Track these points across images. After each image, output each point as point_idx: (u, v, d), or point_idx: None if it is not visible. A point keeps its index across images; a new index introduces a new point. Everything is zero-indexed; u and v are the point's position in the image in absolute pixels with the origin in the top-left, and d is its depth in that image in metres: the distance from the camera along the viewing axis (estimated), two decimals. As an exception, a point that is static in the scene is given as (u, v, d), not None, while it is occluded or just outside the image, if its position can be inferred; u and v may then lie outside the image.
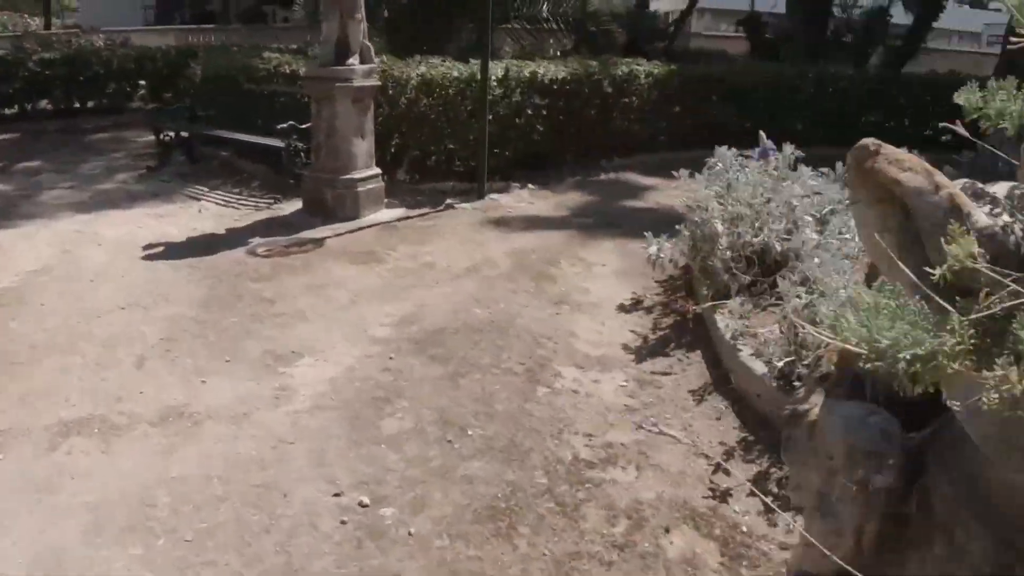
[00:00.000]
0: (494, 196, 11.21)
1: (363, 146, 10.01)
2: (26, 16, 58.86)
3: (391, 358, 6.28)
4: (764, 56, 19.37)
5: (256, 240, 9.19)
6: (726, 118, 14.16)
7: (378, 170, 10.30)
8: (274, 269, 8.25)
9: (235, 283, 7.82)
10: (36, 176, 12.86)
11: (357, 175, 9.95)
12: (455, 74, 11.08)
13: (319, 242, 9.17)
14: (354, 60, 9.79)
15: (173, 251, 8.81)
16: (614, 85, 12.73)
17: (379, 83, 10.18)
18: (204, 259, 8.50)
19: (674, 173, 7.87)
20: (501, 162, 11.36)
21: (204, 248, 8.89)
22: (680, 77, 13.78)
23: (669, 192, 11.89)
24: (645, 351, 6.55)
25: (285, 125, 10.52)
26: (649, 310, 7.42)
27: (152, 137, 13.69)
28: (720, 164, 7.72)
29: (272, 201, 10.95)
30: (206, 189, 11.72)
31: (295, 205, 10.63)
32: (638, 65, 13.35)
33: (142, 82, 18.95)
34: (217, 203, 11.01)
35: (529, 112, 11.54)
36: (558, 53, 18.44)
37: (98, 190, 11.81)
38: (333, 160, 9.87)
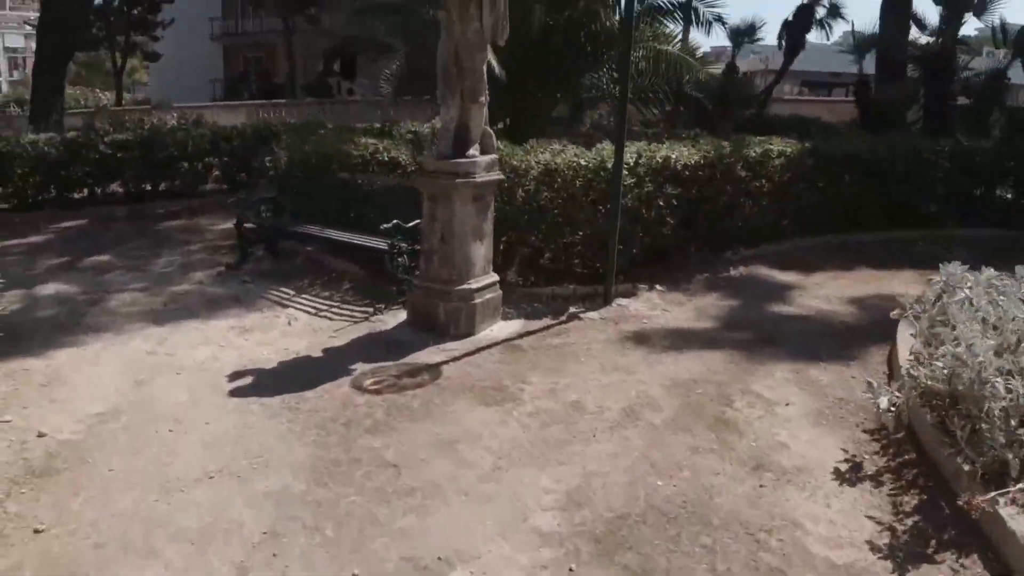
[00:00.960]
0: (622, 302, 9.55)
1: (481, 251, 8.43)
2: (98, 91, 58.99)
3: (571, 570, 4.57)
4: (876, 124, 17.64)
5: (360, 367, 7.58)
6: (861, 199, 12.50)
7: (495, 277, 8.71)
8: (389, 413, 6.59)
9: (346, 436, 6.18)
10: (105, 274, 11.46)
11: (474, 284, 8.35)
12: (582, 162, 9.49)
13: (435, 369, 7.53)
14: (475, 151, 8.25)
15: (265, 384, 7.21)
16: (748, 167, 11.08)
17: (501, 176, 8.62)
18: (304, 397, 6.88)
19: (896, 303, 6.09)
20: (624, 260, 9.70)
21: (301, 379, 7.29)
22: (813, 155, 12.09)
23: (814, 292, 10.24)
24: (902, 555, 4.75)
25: (389, 225, 8.96)
26: (877, 481, 5.64)
27: (229, 225, 12.14)
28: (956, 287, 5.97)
29: (370, 310, 9.36)
30: (292, 292, 10.19)
31: (397, 316, 9.05)
32: (771, 144, 11.67)
33: (215, 161, 17.63)
34: (307, 311, 9.46)
35: (660, 203, 9.89)
36: (647, 131, 16.93)
37: (173, 293, 10.33)
38: (448, 269, 8.29)
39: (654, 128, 16.90)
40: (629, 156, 9.60)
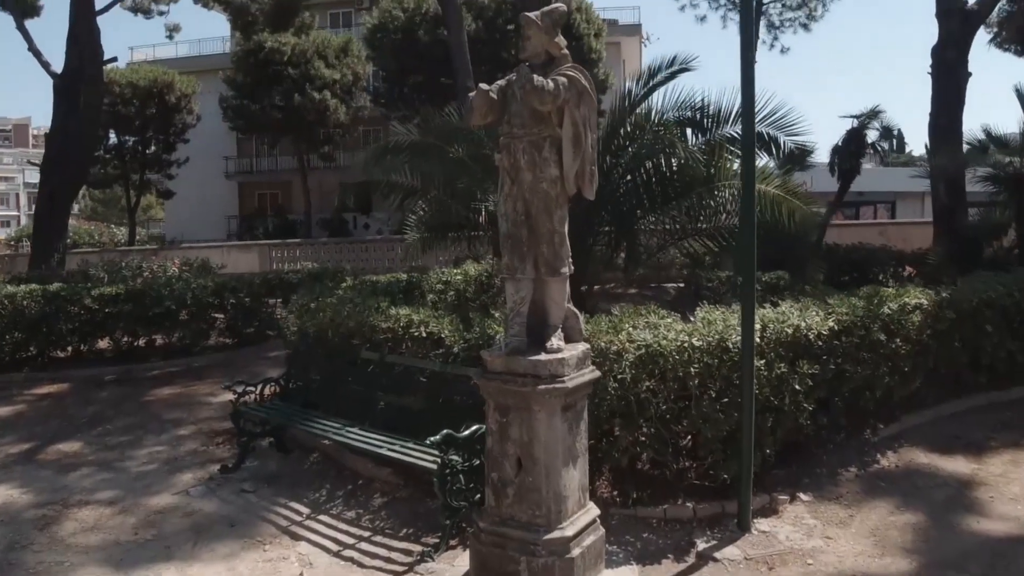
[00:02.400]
0: (763, 526, 6.63)
1: (575, 478, 5.59)
2: (113, 227, 57.23)
3: None
4: (963, 253, 15.00)
5: None
6: (1002, 349, 9.71)
7: (595, 511, 5.82)
8: None
9: None
10: (70, 472, 8.75)
11: (569, 529, 5.46)
12: (695, 342, 6.71)
13: None
14: (558, 340, 5.52)
15: None
16: (883, 328, 8.30)
17: (598, 374, 5.84)
18: None
19: None
20: (754, 463, 6.82)
21: None
22: (953, 305, 9.30)
23: (1006, 489, 7.44)
24: None
25: (438, 438, 6.16)
26: None
27: (231, 396, 9.26)
28: None
29: (415, 548, 6.47)
30: (306, 510, 7.35)
31: (455, 564, 6.17)
32: (907, 297, 8.90)
33: (220, 314, 15.01)
34: (326, 547, 6.60)
35: (796, 387, 7.09)
36: (709, 282, 14.26)
37: (149, 512, 7.51)
38: (530, 508, 5.44)
39: (710, 275, 14.17)
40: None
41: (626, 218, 10.69)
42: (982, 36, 25.50)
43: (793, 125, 10.24)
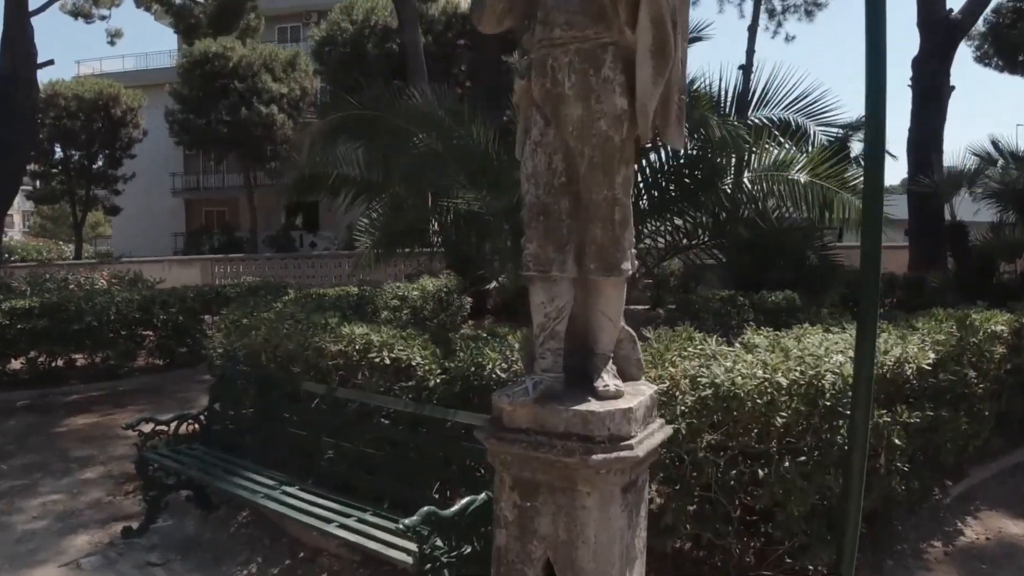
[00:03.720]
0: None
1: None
2: (60, 243, 53.81)
3: None
4: (972, 279, 13.13)
5: None
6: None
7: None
8: None
9: None
10: (-65, 535, 6.39)
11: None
12: (780, 380, 4.51)
13: None
14: (611, 376, 3.44)
15: None
16: (971, 362, 6.20)
17: (669, 431, 3.67)
18: None
19: None
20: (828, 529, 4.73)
21: None
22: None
23: None
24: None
25: (416, 518, 3.98)
26: None
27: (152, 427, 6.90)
28: None
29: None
30: (231, 597, 5.19)
31: None
32: (997, 323, 6.77)
33: (149, 332, 12.64)
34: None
35: (896, 440, 4.97)
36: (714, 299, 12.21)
37: (20, 597, 5.27)
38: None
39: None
40: (842, 355, 4.79)
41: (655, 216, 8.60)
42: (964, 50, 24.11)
43: (825, 112, 8.21)
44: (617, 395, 3.30)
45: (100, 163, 38.40)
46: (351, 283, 16.44)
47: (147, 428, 6.34)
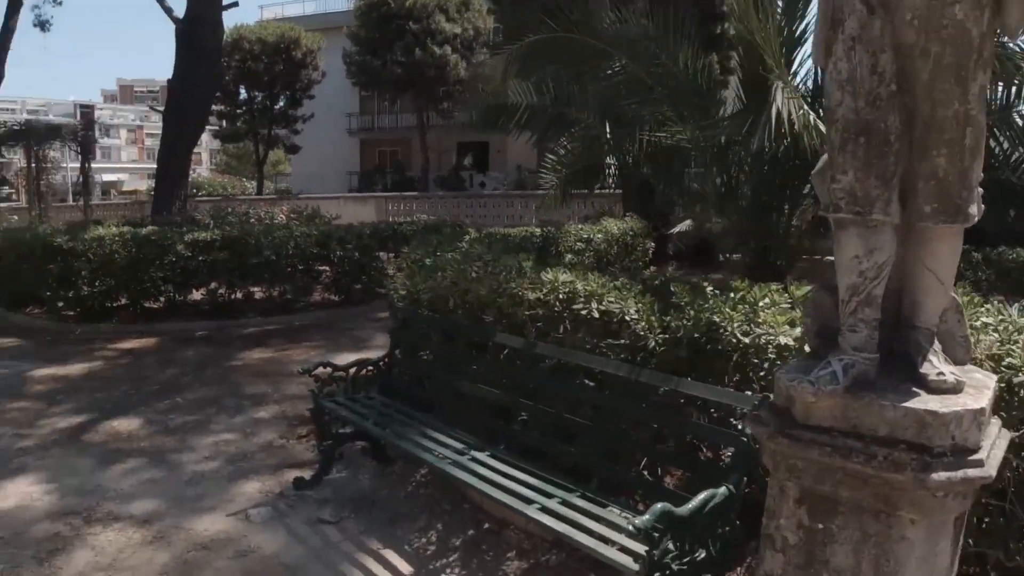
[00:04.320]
0: None
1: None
2: (244, 180, 55.85)
3: None
4: None
5: None
6: None
7: None
8: None
9: None
10: (111, 465, 6.19)
11: None
12: None
13: None
14: (940, 360, 2.49)
15: None
16: None
17: (1008, 439, 2.68)
18: None
19: None
20: None
21: None
22: None
23: None
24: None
25: (646, 519, 3.14)
26: None
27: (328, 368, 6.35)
28: None
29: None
30: (407, 569, 4.55)
31: None
32: None
33: (325, 269, 12.33)
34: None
35: None
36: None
37: (191, 545, 4.86)
38: None
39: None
40: None
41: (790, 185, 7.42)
42: None
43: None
44: (957, 388, 2.37)
45: (281, 104, 39.46)
46: (523, 223, 15.79)
47: (322, 372, 5.78)
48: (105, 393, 8.17)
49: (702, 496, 3.33)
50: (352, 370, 5.79)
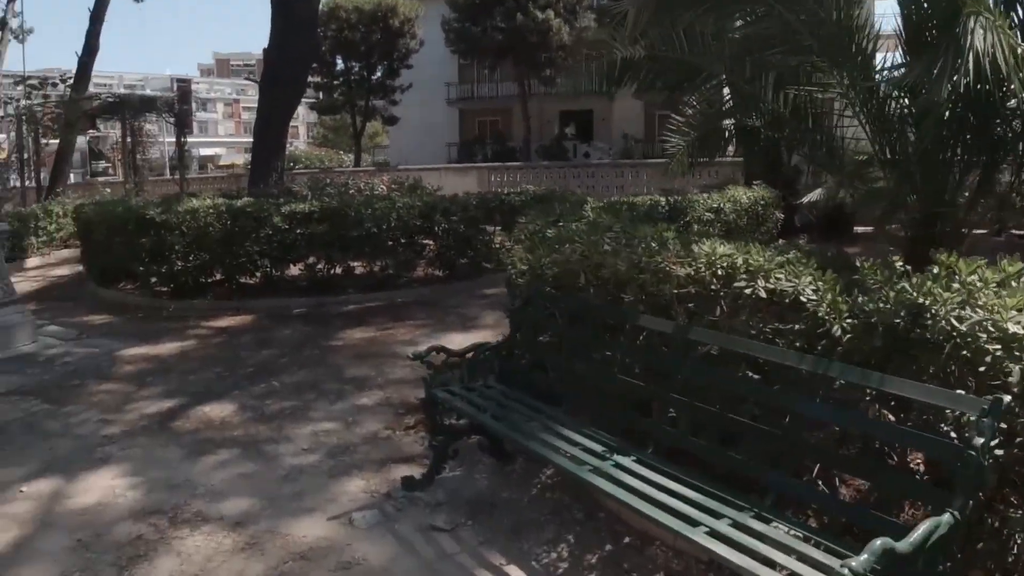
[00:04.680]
0: None
1: None
2: (341, 152, 56.13)
3: None
4: None
5: None
6: None
7: None
8: None
9: None
10: (201, 457, 5.75)
11: None
12: None
13: None
14: None
15: None
16: None
17: None
18: None
19: None
20: None
21: None
22: None
23: None
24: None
25: (866, 558, 2.45)
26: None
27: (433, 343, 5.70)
28: None
29: None
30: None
31: None
32: None
33: (429, 242, 11.80)
34: None
35: None
36: None
37: (287, 554, 4.34)
38: None
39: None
40: None
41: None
42: None
43: None
44: None
45: (378, 74, 39.24)
46: (635, 193, 14.97)
47: (434, 358, 5.17)
48: (197, 375, 7.80)
49: (924, 527, 2.63)
50: (469, 354, 5.15)
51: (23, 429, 6.40)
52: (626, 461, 3.84)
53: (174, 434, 6.24)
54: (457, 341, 8.24)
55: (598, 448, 4.01)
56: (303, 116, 70.80)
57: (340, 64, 38.99)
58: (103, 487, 5.24)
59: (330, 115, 48.42)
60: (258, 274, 11.37)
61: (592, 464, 3.82)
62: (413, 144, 41.37)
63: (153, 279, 11.27)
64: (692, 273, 4.18)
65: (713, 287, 4.07)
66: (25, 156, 22.66)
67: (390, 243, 11.25)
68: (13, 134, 23.89)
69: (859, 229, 14.26)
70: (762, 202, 10.96)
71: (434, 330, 9.22)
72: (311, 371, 7.83)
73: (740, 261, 4.02)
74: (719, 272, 4.06)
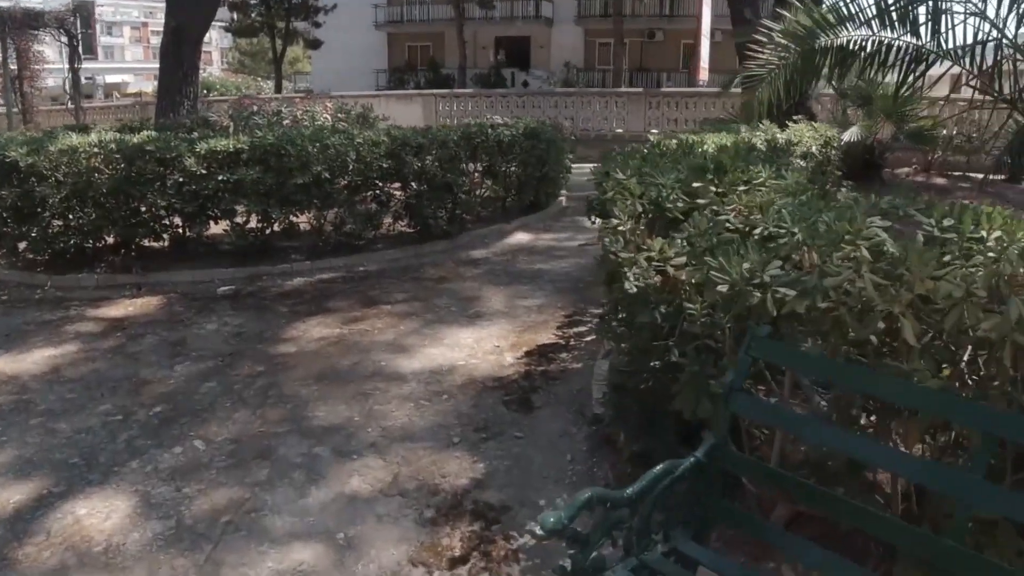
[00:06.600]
0: None
1: None
2: (259, 79, 51.63)
3: None
4: None
5: None
6: None
7: None
8: None
9: None
10: None
11: None
12: None
13: None
14: None
15: None
16: None
17: None
18: None
19: None
20: None
21: None
22: None
23: None
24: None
25: None
26: None
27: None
28: None
29: None
30: None
31: None
32: None
33: (396, 189, 8.77)
34: None
35: None
36: None
37: None
38: None
39: None
40: None
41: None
42: None
43: None
44: None
45: (298, -5, 35.21)
46: (629, 127, 12.16)
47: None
48: (72, 421, 4.78)
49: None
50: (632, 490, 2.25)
51: None
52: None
53: (8, 581, 3.27)
54: (465, 341, 5.34)
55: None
56: (216, 40, 65.47)
57: (258, -19, 34.94)
58: None
59: (247, 38, 43.94)
60: (166, 236, 8.23)
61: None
62: (338, 70, 37.37)
63: (21, 245, 8.03)
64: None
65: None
66: None
67: (346, 192, 8.21)
68: None
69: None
70: (833, 143, 8.49)
71: (426, 322, 6.31)
72: (254, 413, 4.83)
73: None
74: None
